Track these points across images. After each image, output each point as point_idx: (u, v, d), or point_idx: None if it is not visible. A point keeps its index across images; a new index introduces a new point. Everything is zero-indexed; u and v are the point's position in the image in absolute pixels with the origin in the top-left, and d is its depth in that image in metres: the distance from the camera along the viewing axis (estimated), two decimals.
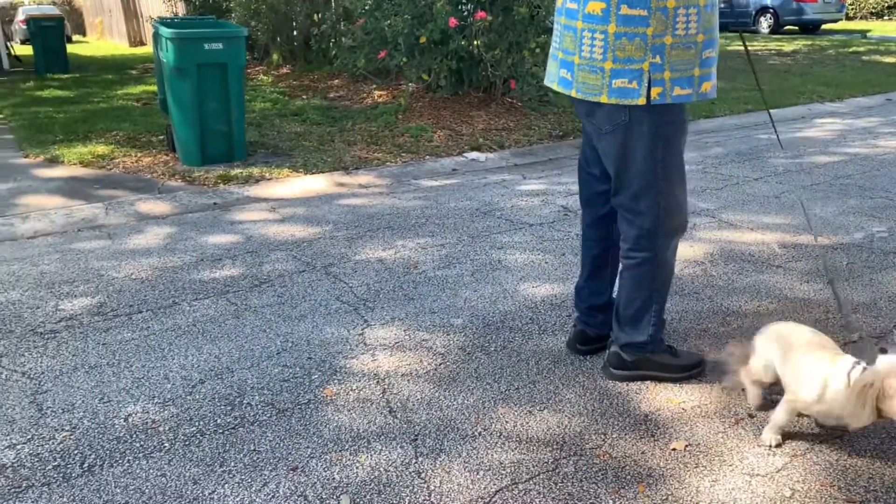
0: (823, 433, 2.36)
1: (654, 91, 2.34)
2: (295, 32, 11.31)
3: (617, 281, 2.74)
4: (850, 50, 14.39)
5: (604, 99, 2.40)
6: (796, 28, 20.00)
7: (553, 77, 2.59)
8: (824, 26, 20.52)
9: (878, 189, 5.03)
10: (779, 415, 2.30)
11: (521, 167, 6.16)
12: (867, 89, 9.52)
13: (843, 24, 21.66)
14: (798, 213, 4.47)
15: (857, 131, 7.10)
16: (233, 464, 2.26)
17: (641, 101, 2.35)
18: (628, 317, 2.66)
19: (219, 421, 2.48)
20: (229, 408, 2.56)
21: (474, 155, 6.47)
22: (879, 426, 2.33)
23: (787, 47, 15.24)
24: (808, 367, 2.20)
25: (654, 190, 2.48)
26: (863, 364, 2.03)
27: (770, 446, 2.30)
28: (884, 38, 18.05)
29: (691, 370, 2.71)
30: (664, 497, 2.09)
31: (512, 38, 7.17)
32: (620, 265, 2.68)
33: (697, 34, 2.32)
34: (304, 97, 8.89)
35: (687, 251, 3.89)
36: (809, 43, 16.34)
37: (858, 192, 4.94)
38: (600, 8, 2.32)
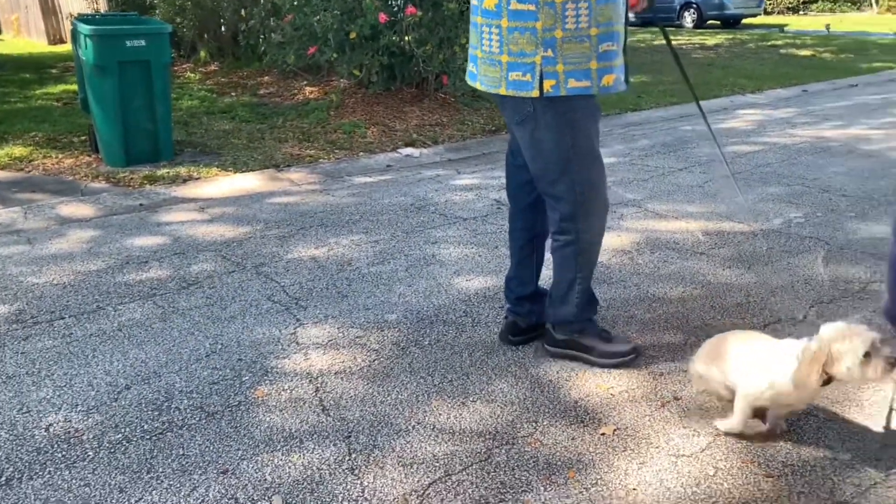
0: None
1: (547, 83, 2.41)
2: (223, 29, 11.06)
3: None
4: (769, 43, 14.93)
5: (503, 91, 2.49)
6: (718, 22, 20.67)
7: (468, 72, 2.68)
8: (744, 20, 21.28)
9: (795, 177, 5.24)
10: (736, 418, 2.28)
11: (455, 162, 6.19)
12: (785, 81, 9.90)
13: (761, 19, 22.47)
14: (721, 202, 4.62)
15: (775, 121, 7.38)
16: (161, 469, 2.21)
17: (535, 93, 2.43)
18: (557, 296, 2.77)
19: (146, 427, 2.42)
20: (157, 413, 2.50)
21: (408, 150, 6.47)
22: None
23: (710, 41, 15.72)
24: (749, 358, 2.26)
25: (569, 176, 2.56)
26: (807, 339, 2.11)
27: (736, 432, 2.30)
28: (800, 31, 18.79)
29: (621, 357, 2.77)
30: (594, 481, 2.14)
31: (442, 33, 7.18)
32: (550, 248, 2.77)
33: (590, 28, 2.38)
34: (233, 94, 8.72)
35: (614, 240, 3.98)
36: (731, 37, 16.89)
37: (777, 180, 5.14)
38: (494, 3, 2.41)
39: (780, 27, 20.03)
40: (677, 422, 2.42)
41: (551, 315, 2.82)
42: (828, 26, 18.70)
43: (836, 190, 4.87)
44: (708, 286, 3.44)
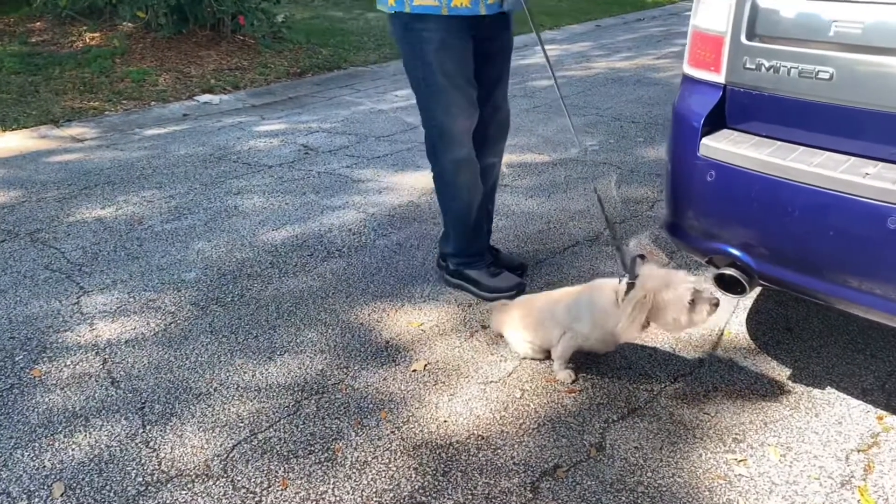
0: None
1: None
2: None
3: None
4: None
5: (379, 7, 2.43)
6: None
7: None
8: None
9: (591, 107, 5.48)
10: (560, 349, 2.26)
11: (259, 108, 5.88)
12: (580, 17, 10.32)
13: None
14: (523, 135, 4.73)
15: (572, 55, 7.68)
16: None
17: (384, 8, 2.37)
18: (444, 230, 2.82)
19: None
20: None
21: (207, 97, 6.05)
22: None
23: None
24: (567, 306, 2.25)
25: (425, 109, 2.53)
26: (625, 279, 2.09)
27: (571, 382, 2.28)
28: None
29: (502, 292, 2.73)
30: (405, 419, 2.12)
31: None
32: None
33: None
34: None
35: (420, 180, 3.96)
36: None
37: (574, 111, 5.35)
38: None
39: None
40: (485, 350, 2.45)
41: (441, 245, 2.87)
42: None
43: (626, 118, 5.15)
44: (512, 216, 3.52)
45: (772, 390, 2.22)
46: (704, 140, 1.98)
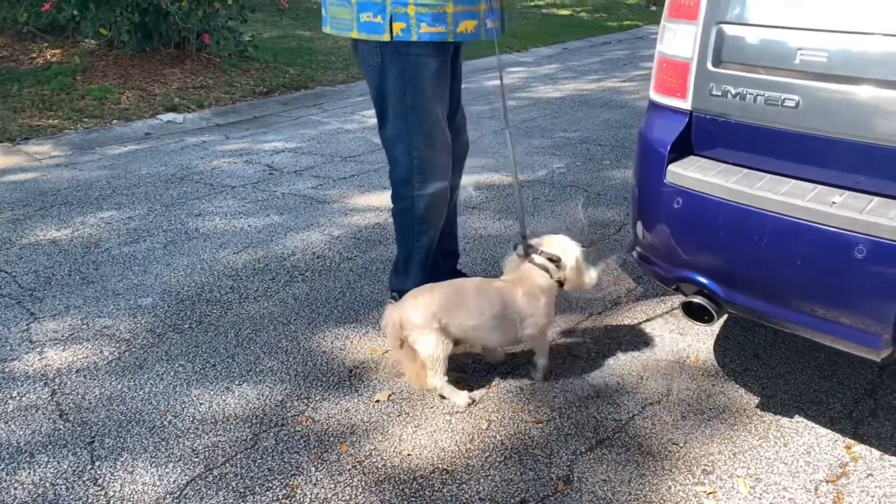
0: (506, 367, 2.48)
1: (397, 26, 2.24)
2: None
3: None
4: (532, 3, 15.64)
5: (355, 34, 2.32)
6: None
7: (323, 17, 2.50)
8: None
9: (558, 129, 5.49)
10: (541, 353, 2.38)
11: (224, 127, 5.79)
12: (547, 39, 10.41)
13: None
14: (491, 156, 4.72)
15: (539, 77, 7.71)
16: None
17: (386, 37, 2.26)
18: (398, 263, 2.68)
19: None
20: None
21: (170, 116, 5.95)
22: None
23: None
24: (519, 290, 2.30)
25: (407, 139, 2.42)
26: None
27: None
28: None
29: None
30: (368, 453, 2.05)
31: None
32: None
33: None
34: None
35: (386, 201, 3.90)
36: None
37: (541, 133, 5.35)
38: None
39: None
40: (451, 380, 2.39)
41: (394, 282, 2.71)
42: None
43: (593, 140, 5.17)
44: (479, 239, 3.48)
45: (740, 419, 2.19)
46: (671, 167, 1.96)
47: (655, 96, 2.08)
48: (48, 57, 7.47)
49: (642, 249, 2.16)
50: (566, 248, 2.32)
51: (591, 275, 2.36)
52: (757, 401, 2.28)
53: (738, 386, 2.36)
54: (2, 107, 5.86)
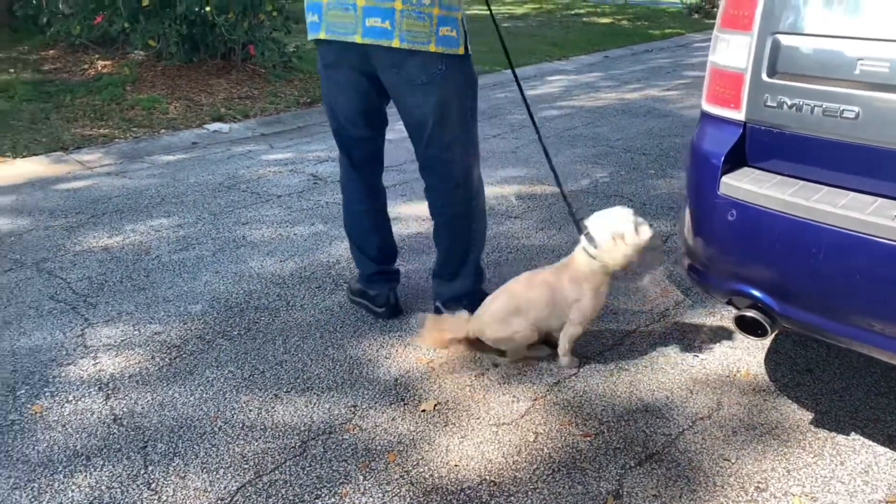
0: (557, 378, 2.46)
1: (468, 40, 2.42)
2: None
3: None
4: (573, 12, 15.60)
5: (433, 48, 2.34)
6: None
7: (343, 28, 2.36)
8: None
9: (601, 138, 5.46)
10: (570, 331, 2.44)
11: (269, 136, 5.87)
12: (588, 48, 10.35)
13: None
14: (532, 166, 4.70)
15: (581, 86, 7.68)
16: None
17: (461, 50, 2.39)
18: (448, 272, 2.71)
19: None
20: None
21: (217, 126, 6.05)
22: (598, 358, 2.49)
23: (518, 11, 16.15)
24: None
25: (465, 139, 2.54)
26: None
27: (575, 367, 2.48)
28: (599, 0, 19.82)
29: None
30: (415, 462, 2.05)
31: (246, 0, 6.77)
32: (435, 222, 2.72)
33: None
34: (12, 71, 7.74)
35: (428, 211, 3.92)
36: (537, 6, 17.44)
37: (584, 142, 5.32)
38: None
39: None
40: (497, 389, 2.39)
41: (444, 293, 2.74)
42: None
43: (637, 150, 5.12)
44: (522, 249, 3.47)
45: (794, 435, 2.15)
46: (725, 178, 1.93)
47: (708, 107, 2.06)
48: (99, 68, 7.68)
49: (693, 261, 2.13)
50: (601, 224, 2.34)
51: (628, 252, 2.34)
52: (811, 417, 2.23)
53: (790, 401, 2.31)
54: (55, 117, 6.03)
